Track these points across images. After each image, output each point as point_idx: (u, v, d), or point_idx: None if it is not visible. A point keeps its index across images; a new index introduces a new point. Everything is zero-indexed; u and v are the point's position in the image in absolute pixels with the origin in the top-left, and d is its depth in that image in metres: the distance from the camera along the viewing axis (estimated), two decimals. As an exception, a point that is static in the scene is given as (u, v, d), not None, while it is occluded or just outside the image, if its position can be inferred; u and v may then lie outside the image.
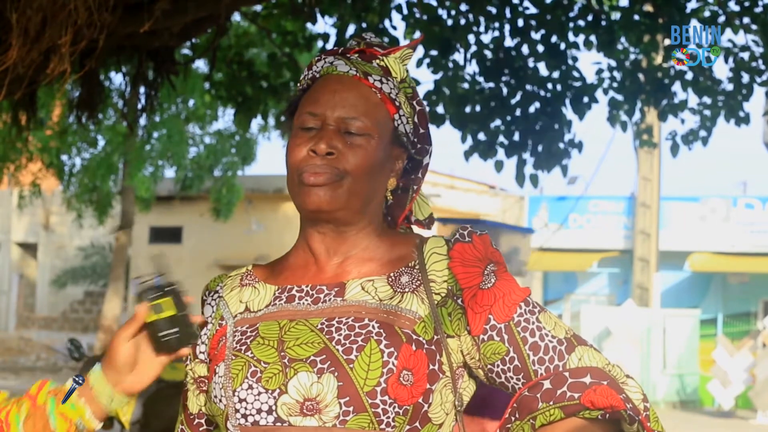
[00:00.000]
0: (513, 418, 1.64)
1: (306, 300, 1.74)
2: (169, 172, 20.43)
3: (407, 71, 1.85)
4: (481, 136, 7.09)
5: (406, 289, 1.72)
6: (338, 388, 1.63)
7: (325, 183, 1.71)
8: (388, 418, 1.63)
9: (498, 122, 7.09)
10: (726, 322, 22.04)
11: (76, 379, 1.73)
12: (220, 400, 1.71)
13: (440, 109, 7.01)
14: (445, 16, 7.06)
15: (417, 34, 7.05)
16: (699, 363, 20.45)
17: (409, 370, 1.64)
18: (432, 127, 1.91)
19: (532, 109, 7.01)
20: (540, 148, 7.04)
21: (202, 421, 1.83)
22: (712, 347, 19.67)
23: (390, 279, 1.73)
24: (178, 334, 1.72)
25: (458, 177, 26.14)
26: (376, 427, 1.63)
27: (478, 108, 7.05)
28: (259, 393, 1.66)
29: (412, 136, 1.81)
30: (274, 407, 1.65)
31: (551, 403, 1.61)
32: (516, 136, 7.07)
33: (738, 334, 20.99)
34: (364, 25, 7.09)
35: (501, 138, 7.10)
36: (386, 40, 7.06)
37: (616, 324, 19.90)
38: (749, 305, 22.11)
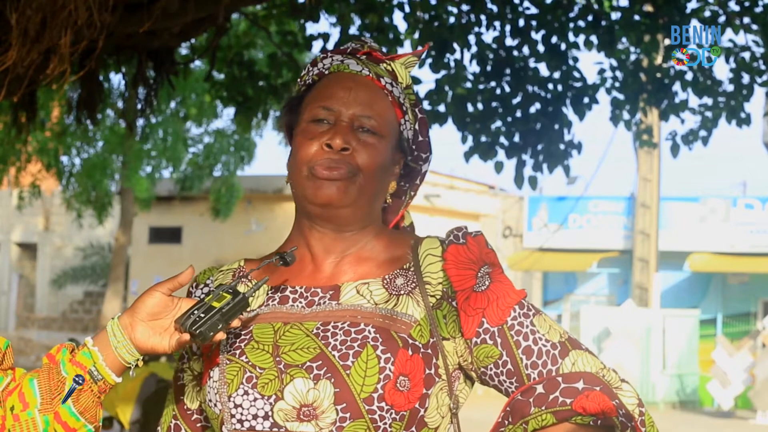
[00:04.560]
0: (506, 422, 1.63)
1: (300, 302, 1.72)
2: (167, 173, 20.44)
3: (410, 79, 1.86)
4: (482, 137, 7.09)
5: (402, 292, 1.70)
6: (335, 394, 1.62)
7: (340, 178, 1.70)
8: (385, 424, 1.62)
9: (498, 123, 7.08)
10: (726, 323, 22.03)
11: (77, 378, 1.69)
12: (215, 405, 1.69)
13: (441, 109, 7.00)
14: (445, 16, 7.06)
15: (417, 34, 7.05)
16: (698, 363, 20.45)
17: (405, 375, 1.63)
18: (434, 127, 1.93)
19: (532, 110, 7.00)
20: (540, 149, 7.03)
21: (201, 417, 1.81)
22: (712, 347, 19.67)
23: (385, 282, 1.72)
24: (198, 321, 1.62)
25: (458, 177, 26.14)
26: None
27: (480, 106, 7.04)
28: (255, 399, 1.65)
29: (411, 142, 1.81)
30: (270, 413, 1.64)
31: (543, 408, 1.60)
32: (516, 138, 7.06)
33: (737, 335, 20.99)
34: (367, 21, 7.08)
35: (501, 139, 7.10)
36: (390, 36, 7.07)
37: (615, 324, 19.89)
38: (749, 305, 22.11)
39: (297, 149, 1.74)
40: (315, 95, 1.77)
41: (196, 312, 1.63)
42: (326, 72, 1.80)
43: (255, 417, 1.65)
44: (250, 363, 1.67)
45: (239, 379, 1.67)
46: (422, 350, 1.66)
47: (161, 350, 1.67)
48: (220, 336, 1.63)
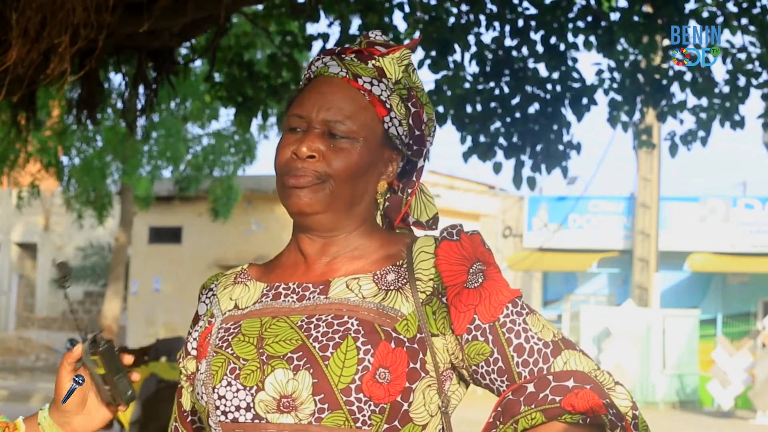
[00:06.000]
0: (498, 422, 1.62)
1: (291, 297, 1.73)
2: (167, 172, 20.45)
3: (414, 71, 1.82)
4: (481, 138, 7.10)
5: (391, 287, 1.70)
6: (313, 385, 1.62)
7: (306, 185, 1.70)
8: (364, 416, 1.61)
9: (497, 124, 7.09)
10: (725, 323, 22.04)
11: (77, 379, 1.73)
12: (202, 397, 1.71)
13: (441, 109, 7.01)
14: (445, 16, 7.07)
15: (417, 34, 7.06)
16: (698, 363, 20.46)
17: (386, 367, 1.62)
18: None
19: (531, 111, 7.01)
20: (539, 149, 7.04)
21: (195, 418, 1.83)
22: (712, 347, 19.68)
23: (375, 277, 1.72)
24: (109, 392, 1.77)
25: (458, 177, 26.14)
26: (351, 425, 1.61)
27: (479, 107, 7.05)
28: (238, 390, 1.66)
29: (406, 137, 1.78)
30: (252, 404, 1.65)
31: (533, 406, 1.59)
32: (515, 138, 7.07)
33: (737, 335, 21.00)
34: (366, 21, 7.09)
35: (500, 140, 7.10)
36: (390, 36, 7.07)
37: (615, 324, 19.90)
38: (749, 305, 22.12)
39: (275, 158, 1.76)
40: (294, 102, 1.79)
41: (105, 388, 1.78)
42: (312, 76, 1.80)
43: (238, 408, 1.66)
44: (234, 355, 1.69)
45: (223, 370, 1.68)
46: (407, 344, 1.65)
47: (108, 420, 1.80)
48: (135, 379, 1.81)
